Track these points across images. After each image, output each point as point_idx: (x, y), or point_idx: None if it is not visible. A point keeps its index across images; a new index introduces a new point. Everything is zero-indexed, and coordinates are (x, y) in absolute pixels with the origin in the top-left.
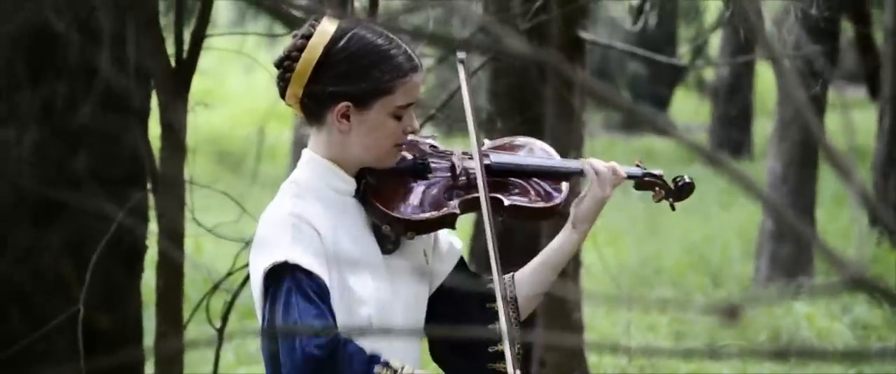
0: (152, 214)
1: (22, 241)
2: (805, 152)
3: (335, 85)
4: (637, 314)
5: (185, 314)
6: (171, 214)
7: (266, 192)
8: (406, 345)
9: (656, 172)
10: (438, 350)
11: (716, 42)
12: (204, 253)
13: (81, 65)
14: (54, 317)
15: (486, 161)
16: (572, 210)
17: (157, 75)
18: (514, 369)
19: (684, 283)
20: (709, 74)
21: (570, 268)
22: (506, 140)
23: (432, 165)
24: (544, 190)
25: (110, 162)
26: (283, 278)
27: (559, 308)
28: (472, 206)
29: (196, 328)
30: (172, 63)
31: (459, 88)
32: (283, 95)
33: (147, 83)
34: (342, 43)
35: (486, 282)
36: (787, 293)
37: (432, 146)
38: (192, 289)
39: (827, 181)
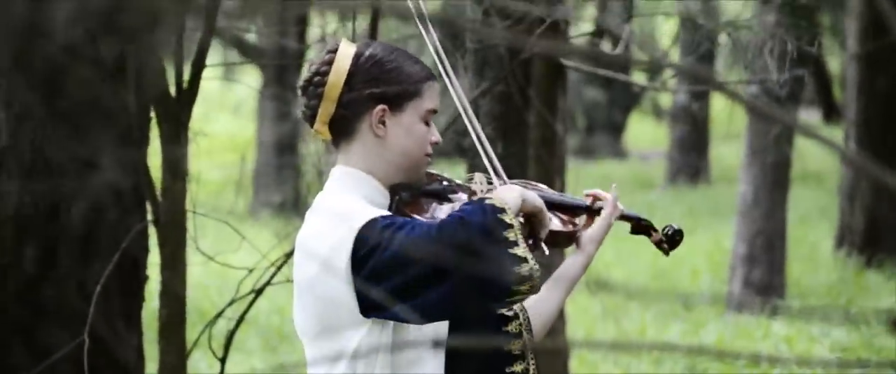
0: (153, 242)
1: (24, 273)
2: (776, 175)
3: (371, 88)
4: (619, 334)
5: (189, 343)
6: (172, 243)
7: (259, 219)
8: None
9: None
10: None
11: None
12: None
13: (83, 94)
14: (58, 348)
15: None
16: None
17: (158, 105)
18: None
19: (657, 307)
20: (665, 101)
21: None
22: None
23: (454, 190)
24: (565, 218)
25: (112, 193)
26: (378, 227)
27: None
28: None
29: (199, 355)
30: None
31: (460, 109)
32: (311, 118)
33: (147, 113)
34: (368, 52)
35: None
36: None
37: (448, 179)
38: (194, 315)
39: (797, 201)
